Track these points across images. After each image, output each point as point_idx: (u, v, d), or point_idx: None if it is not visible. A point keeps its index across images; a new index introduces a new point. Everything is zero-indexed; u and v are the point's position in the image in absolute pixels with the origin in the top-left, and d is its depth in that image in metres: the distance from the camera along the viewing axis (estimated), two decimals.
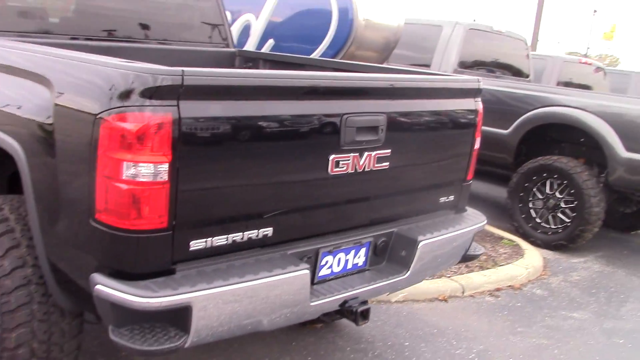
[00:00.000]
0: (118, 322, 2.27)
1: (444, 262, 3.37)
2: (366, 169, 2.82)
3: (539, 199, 7.04)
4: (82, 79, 2.39)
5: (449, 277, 5.46)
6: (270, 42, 6.17)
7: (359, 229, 2.99)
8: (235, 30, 6.46)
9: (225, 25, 4.79)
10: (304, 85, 2.58)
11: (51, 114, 2.45)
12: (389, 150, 2.89)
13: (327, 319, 3.98)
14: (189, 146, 2.26)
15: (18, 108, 2.64)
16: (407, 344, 4.25)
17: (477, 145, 3.44)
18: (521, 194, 7.10)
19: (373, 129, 2.80)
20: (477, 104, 3.36)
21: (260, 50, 6.24)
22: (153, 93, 2.18)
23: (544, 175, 6.93)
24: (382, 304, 4.85)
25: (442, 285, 5.28)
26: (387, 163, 2.91)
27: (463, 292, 5.31)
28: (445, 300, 5.12)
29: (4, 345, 2.66)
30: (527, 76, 9.11)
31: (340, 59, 5.65)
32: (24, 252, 2.71)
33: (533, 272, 6.01)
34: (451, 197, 3.40)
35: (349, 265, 2.97)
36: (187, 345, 2.32)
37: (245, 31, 6.40)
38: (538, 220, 7.05)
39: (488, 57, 8.78)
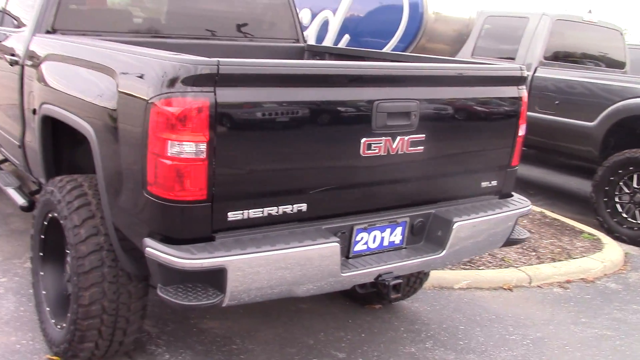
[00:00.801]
0: (164, 280, 2.62)
1: (484, 244, 3.48)
2: (399, 152, 3.01)
3: (626, 193, 6.85)
4: (139, 69, 2.75)
5: (517, 267, 5.49)
6: (347, 37, 6.43)
7: (394, 209, 3.19)
8: (315, 26, 6.78)
9: (295, 22, 5.10)
10: (330, 73, 2.82)
11: (115, 101, 2.83)
12: (423, 135, 3.07)
13: (377, 299, 4.20)
14: (224, 127, 2.56)
15: (90, 96, 3.06)
16: (462, 327, 4.37)
17: (521, 132, 3.52)
18: (606, 188, 6.94)
19: (405, 114, 2.99)
20: (521, 92, 3.46)
21: (337, 45, 6.50)
22: (194, 81, 2.50)
23: (631, 168, 6.74)
24: (444, 290, 4.98)
25: (508, 275, 5.33)
26: (422, 147, 3.09)
27: (530, 282, 5.33)
28: (510, 290, 5.17)
29: (79, 302, 3.08)
30: (623, 67, 8.81)
31: (411, 52, 5.81)
32: (97, 222, 3.13)
33: (610, 266, 5.90)
34: (494, 182, 3.51)
35: (385, 243, 3.17)
36: (224, 304, 2.63)
37: (324, 27, 6.69)
38: (624, 215, 6.86)
39: (578, 48, 8.58)
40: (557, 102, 7.57)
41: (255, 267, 2.62)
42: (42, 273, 3.64)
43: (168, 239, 2.61)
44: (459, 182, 3.39)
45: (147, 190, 2.62)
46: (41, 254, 3.63)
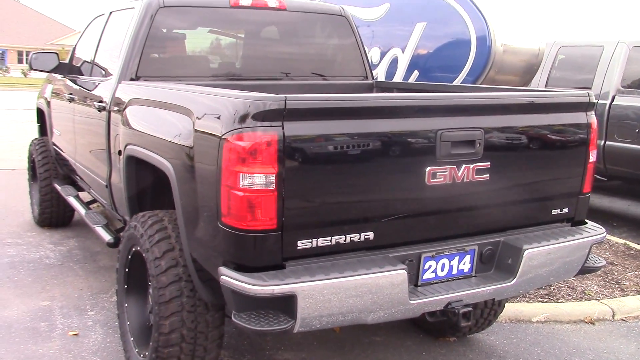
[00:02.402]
0: (238, 307, 2.74)
1: (558, 272, 3.43)
2: (465, 180, 3.05)
3: None
4: (213, 108, 2.94)
5: (599, 299, 5.32)
6: (416, 73, 6.53)
7: (462, 237, 3.21)
8: (384, 64, 6.92)
9: (363, 60, 5.25)
10: (393, 105, 2.92)
11: (192, 139, 3.02)
12: (489, 163, 3.10)
13: (453, 330, 4.17)
14: (293, 159, 2.69)
15: (170, 135, 3.27)
16: None
17: (592, 159, 3.49)
18: None
19: (469, 143, 3.03)
20: (590, 118, 3.43)
21: (407, 80, 6.61)
22: (263, 116, 2.65)
23: None
24: (521, 323, 4.88)
25: (589, 308, 5.16)
26: (487, 175, 3.12)
27: (613, 316, 5.14)
28: (592, 323, 5.00)
29: (160, 330, 3.25)
30: None
31: (480, 84, 5.84)
32: (177, 254, 3.31)
33: None
34: (565, 210, 3.47)
35: (454, 271, 3.19)
36: (295, 329, 2.72)
37: (394, 64, 6.82)
38: None
39: None
40: (637, 130, 7.36)
41: (324, 294, 2.70)
42: (126, 305, 3.84)
43: (241, 267, 2.74)
44: (528, 210, 3.38)
45: (221, 221, 2.77)
46: (126, 286, 3.84)
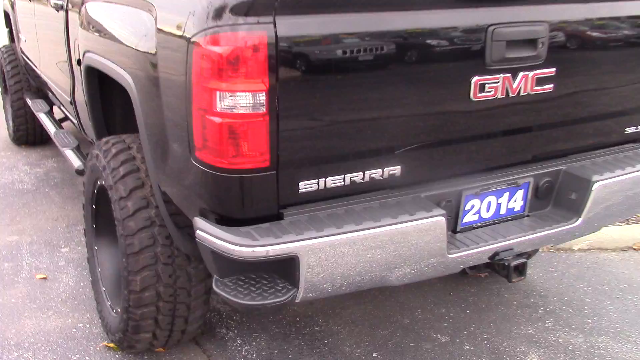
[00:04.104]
0: (221, 272, 2.05)
1: (631, 208, 2.72)
2: (521, 93, 2.28)
3: None
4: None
5: None
6: None
7: (515, 167, 2.48)
8: None
9: None
10: None
11: (154, 42, 2.23)
12: (554, 69, 2.32)
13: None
14: (290, 70, 1.92)
15: (129, 39, 2.48)
16: (587, 300, 3.64)
17: None
18: None
19: (530, 42, 2.24)
20: None
21: None
22: (247, 9, 1.86)
23: None
24: (561, 253, 4.23)
25: (638, 232, 4.49)
26: (551, 85, 2.34)
27: None
28: None
29: (130, 287, 2.59)
30: None
31: None
32: (148, 192, 2.59)
33: None
34: None
35: (502, 211, 2.48)
36: (297, 300, 2.05)
37: None
38: None
39: None
40: None
41: (336, 253, 2.00)
42: (96, 248, 3.18)
43: (224, 219, 2.02)
44: (598, 129, 2.62)
45: (195, 156, 2.03)
46: (94, 225, 3.16)
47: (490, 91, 2.23)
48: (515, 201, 2.49)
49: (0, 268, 3.76)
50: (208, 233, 2.00)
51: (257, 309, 1.99)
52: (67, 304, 3.40)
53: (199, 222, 2.04)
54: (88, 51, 3.07)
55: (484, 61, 2.19)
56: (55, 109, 5.10)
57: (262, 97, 1.89)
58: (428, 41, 2.11)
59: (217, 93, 1.88)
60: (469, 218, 2.41)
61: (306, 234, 1.96)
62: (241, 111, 1.89)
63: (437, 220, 2.14)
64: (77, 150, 4.08)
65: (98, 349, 3.03)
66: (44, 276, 3.68)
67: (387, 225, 2.06)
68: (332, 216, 2.07)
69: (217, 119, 1.90)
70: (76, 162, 3.86)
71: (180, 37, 2.02)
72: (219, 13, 1.88)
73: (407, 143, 2.19)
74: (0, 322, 3.21)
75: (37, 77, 5.12)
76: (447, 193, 2.32)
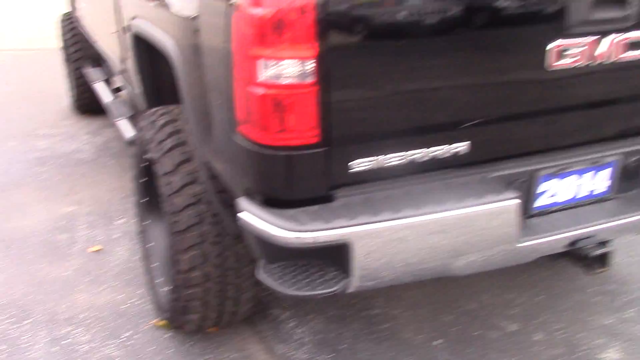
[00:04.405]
0: (266, 257, 1.88)
1: None
2: (607, 61, 1.99)
3: None
4: None
5: None
6: None
7: (599, 144, 2.19)
8: None
9: None
10: None
11: (195, 6, 2.05)
12: None
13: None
14: (342, 34, 1.70)
15: (171, 2, 2.30)
16: None
17: None
18: None
19: (618, 1, 1.93)
20: None
21: None
22: None
23: None
24: None
25: None
26: None
27: None
28: None
29: (176, 267, 2.46)
30: None
31: None
32: (194, 167, 2.44)
33: None
34: None
35: (583, 193, 2.21)
36: (350, 290, 1.85)
37: None
38: None
39: None
40: None
41: (392, 240, 1.79)
42: (147, 222, 3.08)
43: (269, 201, 1.84)
44: None
45: (237, 131, 1.85)
46: (146, 199, 3.05)
47: (570, 58, 1.94)
48: (598, 182, 2.21)
49: (56, 240, 3.73)
50: (251, 215, 1.82)
51: (305, 299, 1.80)
52: (120, 278, 3.33)
53: (242, 203, 1.87)
54: (135, 17, 2.92)
55: (563, 24, 1.90)
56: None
57: (311, 64, 1.68)
58: (499, 1, 1.84)
59: (260, 61, 1.69)
60: (544, 201, 2.15)
61: (359, 218, 1.76)
62: (287, 81, 1.69)
63: (509, 205, 1.90)
64: (131, 120, 3.98)
65: (148, 327, 2.94)
66: (99, 249, 3.62)
67: (451, 210, 1.83)
68: (389, 198, 1.86)
69: (260, 90, 1.70)
70: (128, 132, 3.76)
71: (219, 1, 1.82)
72: None
73: (474, 116, 1.95)
74: (53, 296, 3.17)
75: (93, 45, 5.06)
76: (520, 173, 2.07)
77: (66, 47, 5.95)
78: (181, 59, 2.22)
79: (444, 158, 1.94)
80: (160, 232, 3.01)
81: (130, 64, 3.37)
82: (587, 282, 3.32)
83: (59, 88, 6.63)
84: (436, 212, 1.82)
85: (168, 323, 2.81)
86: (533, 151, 2.10)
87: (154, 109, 2.75)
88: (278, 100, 1.70)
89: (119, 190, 4.43)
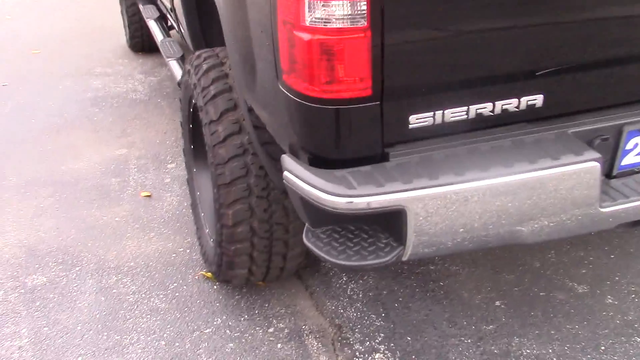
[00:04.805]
0: (313, 221, 1.71)
1: None
2: None
3: None
4: None
5: None
6: None
7: None
8: None
9: None
10: None
11: None
12: None
13: None
14: None
15: None
16: None
17: None
18: None
19: None
20: None
21: None
22: None
23: None
24: None
25: None
26: None
27: None
28: None
29: (222, 221, 2.34)
30: None
31: None
32: (240, 116, 2.27)
33: None
34: None
35: None
36: (404, 259, 1.68)
37: None
38: None
39: None
40: None
41: (452, 207, 1.59)
42: (195, 170, 2.96)
43: (316, 159, 1.66)
44: None
45: (282, 81, 1.66)
46: (192, 146, 2.92)
47: None
48: None
49: (107, 183, 3.67)
50: (296, 176, 1.65)
51: (353, 270, 1.64)
52: (169, 225, 3.26)
53: (287, 161, 1.70)
54: None
55: None
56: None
57: (363, 5, 1.46)
58: None
59: (306, 1, 1.47)
60: (630, 159, 1.89)
61: (416, 182, 1.56)
62: (337, 25, 1.48)
63: (589, 167, 1.66)
64: (182, 60, 3.83)
65: (196, 277, 2.86)
66: (149, 194, 3.55)
67: (520, 172, 1.61)
68: (451, 158, 1.65)
69: (306, 35, 1.50)
70: (180, 73, 3.61)
71: None
72: None
73: (552, 63, 1.69)
74: (102, 242, 3.12)
75: None
76: (604, 128, 1.81)
77: None
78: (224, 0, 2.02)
79: (516, 112, 1.70)
80: (207, 181, 2.90)
81: (178, 4, 3.19)
82: None
83: (116, 25, 6.51)
84: (503, 175, 1.60)
85: (214, 276, 2.72)
86: (619, 103, 1.83)
87: (198, 52, 2.58)
88: (326, 46, 1.50)
89: (170, 132, 4.33)
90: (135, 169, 3.84)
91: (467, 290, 2.75)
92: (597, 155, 1.68)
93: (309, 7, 1.47)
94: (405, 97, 1.60)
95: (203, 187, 2.91)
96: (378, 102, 1.57)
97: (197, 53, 2.57)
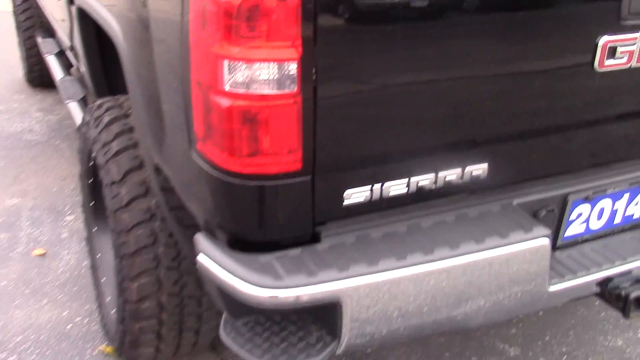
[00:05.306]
0: (232, 311, 1.46)
1: None
2: None
3: None
4: None
5: None
6: None
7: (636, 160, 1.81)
8: None
9: None
10: None
11: None
12: None
13: None
14: (336, 27, 1.27)
15: None
16: None
17: None
18: None
19: None
20: None
21: None
22: None
23: None
24: None
25: None
26: None
27: None
28: None
29: (125, 296, 2.04)
30: None
31: None
32: (147, 176, 2.00)
33: None
34: None
35: (617, 219, 1.83)
36: (337, 352, 1.45)
37: None
38: None
39: None
40: None
41: (395, 295, 1.39)
42: (95, 228, 2.64)
43: (236, 242, 1.42)
44: None
45: (196, 150, 1.42)
46: (92, 202, 2.60)
47: (622, 57, 1.54)
48: (636, 205, 1.83)
49: None
50: (212, 259, 1.40)
51: None
52: (65, 289, 2.90)
53: (201, 241, 1.45)
54: None
55: (619, 14, 1.49)
56: None
57: (293, 68, 1.25)
58: None
59: (226, 62, 1.25)
60: (574, 229, 1.77)
61: (353, 269, 1.35)
62: (262, 90, 1.26)
63: (539, 245, 1.51)
64: (83, 102, 3.49)
65: (95, 354, 2.52)
66: (43, 252, 3.17)
67: (468, 253, 1.43)
68: (391, 237, 1.46)
69: (226, 101, 1.27)
70: (80, 117, 3.28)
71: None
72: None
73: (497, 131, 1.54)
74: None
75: (43, 13, 4.52)
76: (549, 198, 1.67)
77: (17, 13, 5.37)
78: (126, 43, 1.76)
79: (459, 183, 1.53)
80: (109, 242, 2.58)
81: (78, 42, 2.89)
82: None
83: (13, 56, 6.03)
84: (450, 257, 1.42)
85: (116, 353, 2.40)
86: (565, 171, 1.71)
87: (99, 101, 2.29)
88: (249, 115, 1.27)
89: (70, 178, 3.95)
90: (28, 222, 3.45)
91: (397, 357, 2.56)
92: (546, 231, 1.54)
93: (229, 69, 1.25)
94: (340, 171, 1.40)
95: (105, 249, 2.59)
96: (309, 177, 1.36)
97: (98, 102, 2.29)
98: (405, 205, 1.51)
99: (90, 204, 2.60)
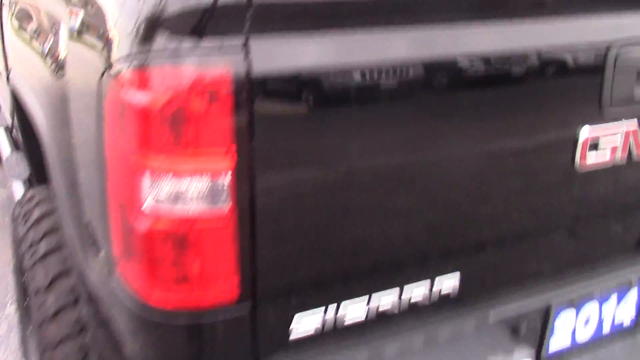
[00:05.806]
0: None
1: None
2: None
3: None
4: (95, 5, 1.27)
5: None
6: None
7: (626, 260, 1.63)
8: None
9: None
10: None
11: (64, 66, 1.39)
12: None
13: None
14: (274, 131, 1.08)
15: (42, 59, 1.65)
16: None
17: None
18: None
19: None
20: None
21: None
22: (198, 24, 1.01)
23: None
24: None
25: None
26: None
27: None
28: None
29: None
30: None
31: None
32: (75, 283, 1.76)
33: None
34: None
35: (606, 327, 1.63)
36: None
37: None
38: None
39: None
40: None
41: None
42: (30, 329, 2.36)
43: None
44: None
45: (116, 272, 1.19)
46: (26, 302, 2.33)
47: (604, 153, 1.37)
48: (625, 309, 1.64)
49: None
50: None
51: None
52: None
53: None
54: (13, 67, 2.25)
55: (601, 103, 1.33)
56: None
57: (227, 180, 1.05)
58: (515, 73, 1.26)
59: (146, 175, 1.04)
60: (558, 343, 1.56)
61: None
62: (189, 209, 1.05)
63: None
64: (28, 183, 3.25)
65: None
66: None
67: None
68: None
69: (145, 224, 1.05)
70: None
71: (91, 63, 1.18)
72: (151, 28, 1.03)
73: (468, 241, 1.35)
74: None
75: None
76: (530, 310, 1.47)
77: None
78: (50, 137, 1.55)
79: (426, 302, 1.33)
80: None
81: (16, 120, 2.68)
82: None
83: None
84: None
85: None
86: (546, 276, 1.52)
87: (31, 193, 2.07)
88: (174, 238, 1.06)
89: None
90: None
91: None
92: (530, 350, 1.33)
93: (151, 184, 1.04)
94: (287, 293, 1.18)
95: None
96: (247, 309, 1.13)
97: (28, 194, 2.06)
98: (365, 328, 1.29)
99: (25, 304, 2.34)
